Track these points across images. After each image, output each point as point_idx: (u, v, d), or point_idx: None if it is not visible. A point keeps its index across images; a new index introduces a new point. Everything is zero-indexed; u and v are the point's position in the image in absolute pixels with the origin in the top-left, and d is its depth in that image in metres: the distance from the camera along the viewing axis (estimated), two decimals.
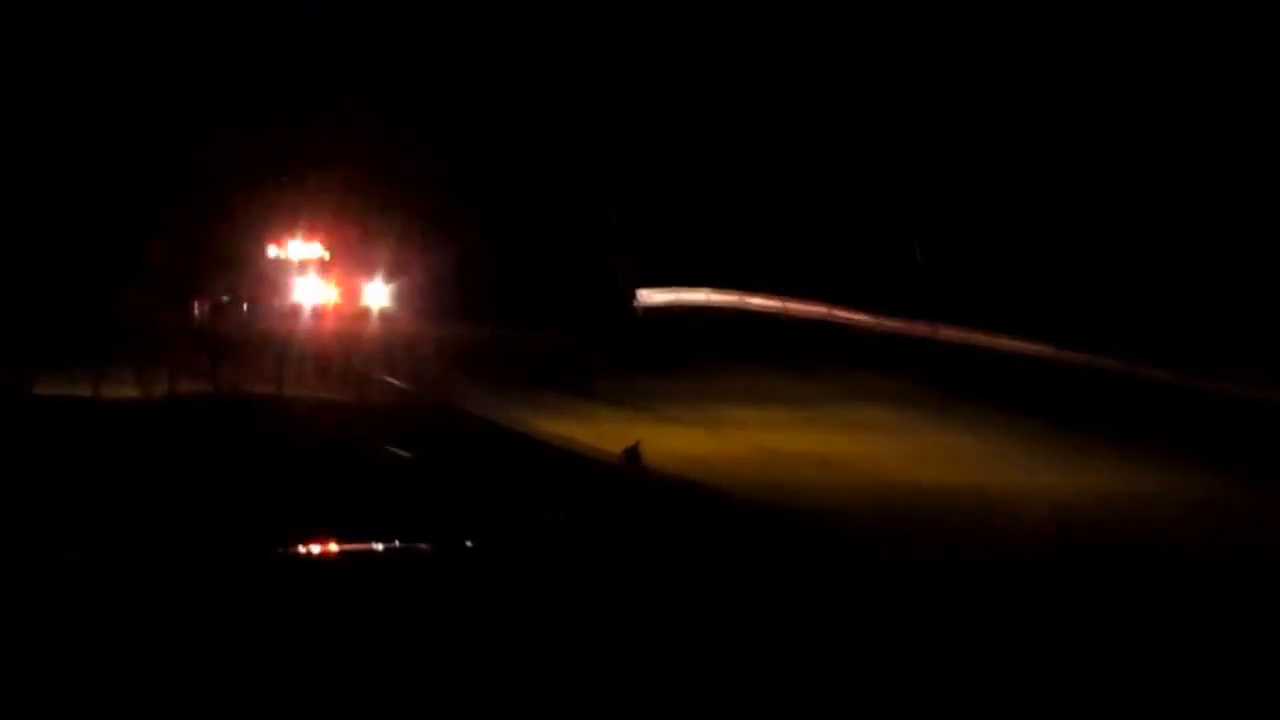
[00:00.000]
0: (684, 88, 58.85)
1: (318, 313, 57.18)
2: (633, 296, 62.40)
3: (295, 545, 11.08)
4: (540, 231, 62.60)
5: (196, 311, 59.26)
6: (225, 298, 59.81)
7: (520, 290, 60.10)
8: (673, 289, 60.10)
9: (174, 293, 59.68)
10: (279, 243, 62.80)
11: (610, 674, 9.61)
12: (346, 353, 41.01)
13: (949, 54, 51.45)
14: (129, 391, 29.99)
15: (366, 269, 61.69)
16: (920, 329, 46.01)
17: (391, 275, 61.31)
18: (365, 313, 58.44)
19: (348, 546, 12.06)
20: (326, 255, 63.20)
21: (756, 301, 55.29)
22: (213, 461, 21.48)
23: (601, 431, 29.03)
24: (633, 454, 25.18)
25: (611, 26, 59.87)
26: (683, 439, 29.67)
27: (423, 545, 12.78)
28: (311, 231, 63.36)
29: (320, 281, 60.43)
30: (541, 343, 49.79)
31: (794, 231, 58.93)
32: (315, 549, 11.55)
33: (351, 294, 59.96)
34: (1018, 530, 22.10)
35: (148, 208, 64.87)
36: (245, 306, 59.62)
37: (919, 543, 20.20)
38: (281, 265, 61.61)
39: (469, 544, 13.41)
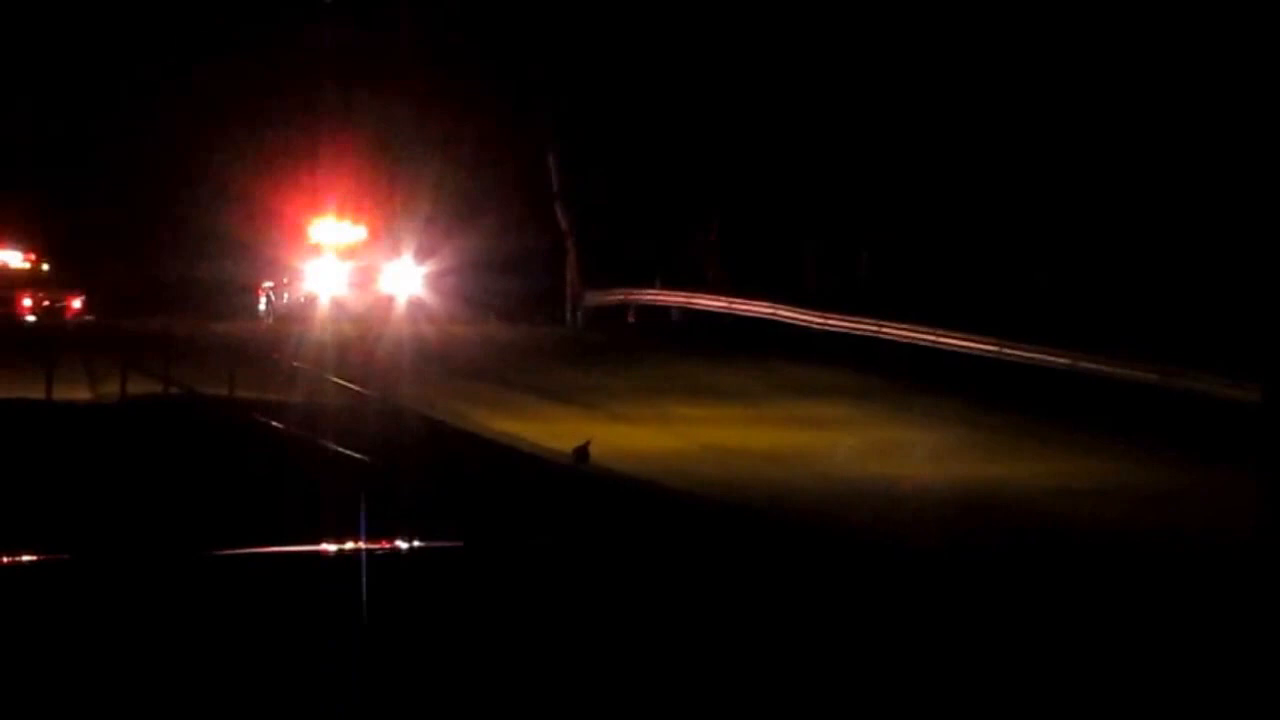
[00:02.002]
0: (640, 86, 58.91)
1: (337, 302, 55.08)
2: (582, 296, 62.46)
3: (225, 550, 11.01)
4: (499, 229, 62.51)
5: (263, 300, 57.78)
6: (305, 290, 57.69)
7: (475, 289, 60.01)
8: (621, 289, 60.19)
9: (154, 290, 58.71)
10: (308, 227, 60.98)
11: (574, 682, 9.60)
12: (298, 350, 40.62)
13: (903, 53, 51.64)
14: (82, 393, 29.91)
15: (396, 252, 59.77)
16: (866, 326, 46.19)
17: (424, 259, 59.45)
18: (389, 302, 56.33)
19: (291, 549, 12.00)
20: (361, 238, 61.13)
21: (704, 300, 55.46)
22: (160, 463, 21.43)
23: (553, 430, 29.10)
24: (581, 453, 25.27)
25: (585, 27, 59.91)
26: (634, 437, 29.77)
27: (373, 546, 12.71)
28: (344, 214, 61.54)
29: (342, 267, 58.17)
30: (492, 341, 49.80)
31: (744, 230, 59.16)
32: (252, 552, 11.49)
33: (372, 280, 58.04)
34: (968, 522, 22.24)
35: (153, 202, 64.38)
36: (286, 296, 58.03)
37: (879, 537, 20.31)
38: (305, 250, 59.67)
39: (422, 544, 13.36)
